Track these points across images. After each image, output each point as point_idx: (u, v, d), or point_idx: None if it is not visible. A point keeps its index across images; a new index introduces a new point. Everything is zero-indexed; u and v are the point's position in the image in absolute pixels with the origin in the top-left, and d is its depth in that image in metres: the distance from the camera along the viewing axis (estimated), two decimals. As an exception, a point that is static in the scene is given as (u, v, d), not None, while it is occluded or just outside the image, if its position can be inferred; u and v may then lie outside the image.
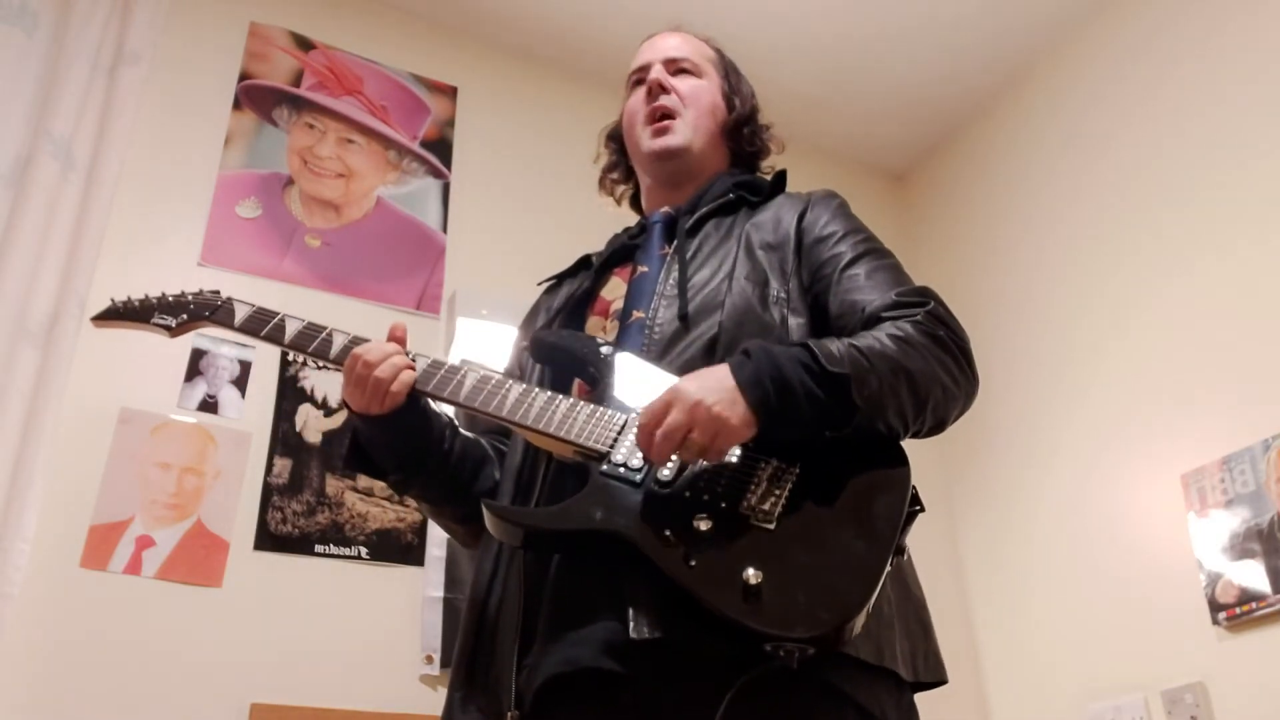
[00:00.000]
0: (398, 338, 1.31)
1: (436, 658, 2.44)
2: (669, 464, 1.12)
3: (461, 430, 1.41)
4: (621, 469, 1.13)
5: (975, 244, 3.57)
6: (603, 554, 1.11)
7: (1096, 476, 2.91)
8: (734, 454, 1.13)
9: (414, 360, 1.28)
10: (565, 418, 1.20)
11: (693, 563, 1.04)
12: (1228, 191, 2.74)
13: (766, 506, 1.08)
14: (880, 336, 1.19)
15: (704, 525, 1.06)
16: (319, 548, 2.47)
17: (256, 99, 2.93)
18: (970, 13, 3.30)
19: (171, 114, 2.78)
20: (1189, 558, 2.57)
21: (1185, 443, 2.67)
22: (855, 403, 1.11)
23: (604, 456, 1.15)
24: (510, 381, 1.25)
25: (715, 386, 1.10)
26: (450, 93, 3.23)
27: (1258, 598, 2.40)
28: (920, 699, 1.20)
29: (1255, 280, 2.61)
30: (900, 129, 3.78)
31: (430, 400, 1.32)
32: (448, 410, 1.36)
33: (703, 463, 1.12)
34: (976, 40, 3.40)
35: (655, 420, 1.09)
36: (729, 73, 1.64)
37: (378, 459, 1.33)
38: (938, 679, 1.21)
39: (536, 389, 1.24)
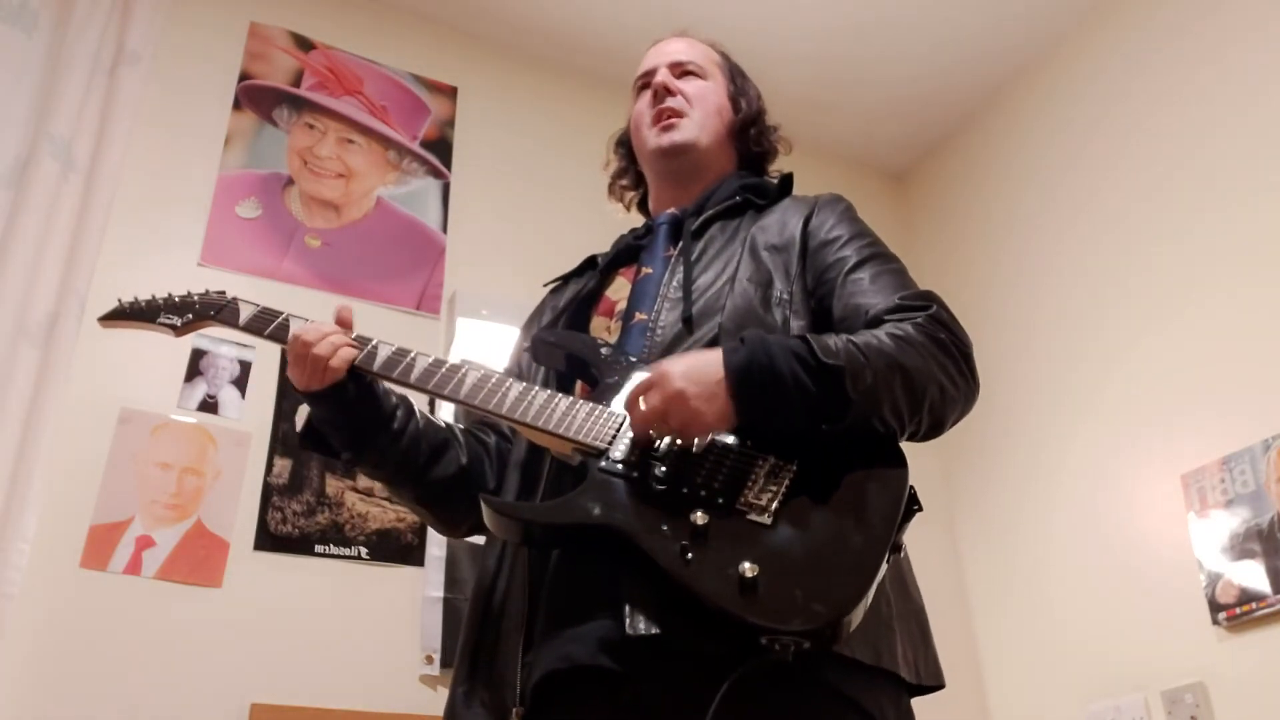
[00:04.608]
0: (342, 319, 1.35)
1: (437, 658, 2.44)
2: (663, 465, 1.13)
3: (434, 418, 1.42)
4: (620, 465, 1.14)
5: (975, 244, 3.57)
6: (600, 549, 1.11)
7: (1097, 477, 2.91)
8: (729, 439, 1.14)
9: (376, 347, 1.32)
10: (565, 415, 1.21)
11: (689, 556, 1.04)
12: (1232, 190, 2.74)
13: (763, 502, 1.09)
14: (879, 334, 1.20)
15: (700, 520, 1.06)
16: (319, 548, 2.47)
17: (256, 99, 2.93)
18: (970, 13, 3.30)
19: (171, 114, 2.78)
20: (1189, 558, 2.57)
21: (1185, 443, 2.67)
22: (849, 396, 1.11)
23: (603, 453, 1.16)
24: (510, 380, 1.27)
25: (699, 377, 1.12)
26: (450, 93, 3.23)
27: (1258, 598, 2.40)
28: (921, 698, 1.21)
29: (1256, 280, 2.61)
30: (900, 129, 3.78)
31: (390, 385, 1.35)
32: (420, 400, 1.38)
33: (712, 464, 1.13)
34: (976, 40, 3.40)
35: (636, 396, 1.14)
36: (735, 75, 1.64)
37: (329, 437, 1.36)
38: (937, 683, 1.21)
39: (536, 388, 1.25)
